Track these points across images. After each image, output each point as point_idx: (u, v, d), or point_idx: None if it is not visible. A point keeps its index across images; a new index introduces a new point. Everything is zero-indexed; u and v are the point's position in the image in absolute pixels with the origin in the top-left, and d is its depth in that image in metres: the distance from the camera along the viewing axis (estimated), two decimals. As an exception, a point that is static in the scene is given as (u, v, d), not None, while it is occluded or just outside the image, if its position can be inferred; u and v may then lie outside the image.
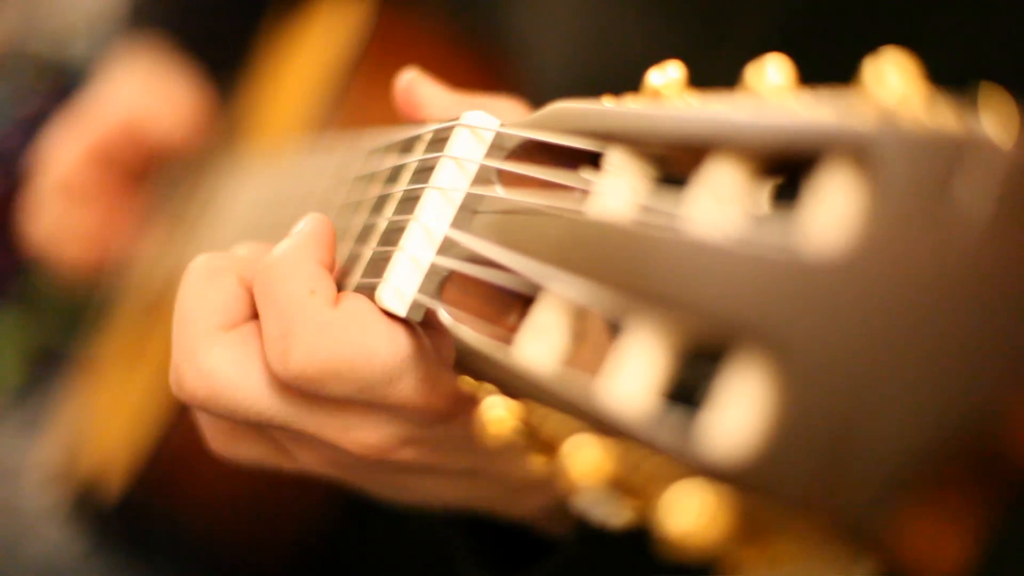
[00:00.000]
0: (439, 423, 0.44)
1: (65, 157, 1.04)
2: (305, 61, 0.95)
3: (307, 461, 0.48)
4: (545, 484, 0.50)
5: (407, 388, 0.43)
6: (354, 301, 0.43)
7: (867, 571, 0.27)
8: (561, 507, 0.53)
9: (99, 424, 1.02)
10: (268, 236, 0.52)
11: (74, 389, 1.18)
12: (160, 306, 1.00)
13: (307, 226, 0.44)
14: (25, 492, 1.18)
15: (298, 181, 0.67)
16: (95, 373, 1.12)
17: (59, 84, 1.39)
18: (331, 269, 0.44)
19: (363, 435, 0.45)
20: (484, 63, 0.85)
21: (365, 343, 0.42)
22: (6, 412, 1.28)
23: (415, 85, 0.50)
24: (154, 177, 1.07)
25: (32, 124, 1.34)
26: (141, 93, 1.04)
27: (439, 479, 0.49)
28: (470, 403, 0.42)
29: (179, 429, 0.84)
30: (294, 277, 0.42)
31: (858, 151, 0.27)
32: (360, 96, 0.81)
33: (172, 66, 1.05)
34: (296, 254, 0.43)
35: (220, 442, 0.50)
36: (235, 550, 0.91)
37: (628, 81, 0.38)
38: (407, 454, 0.46)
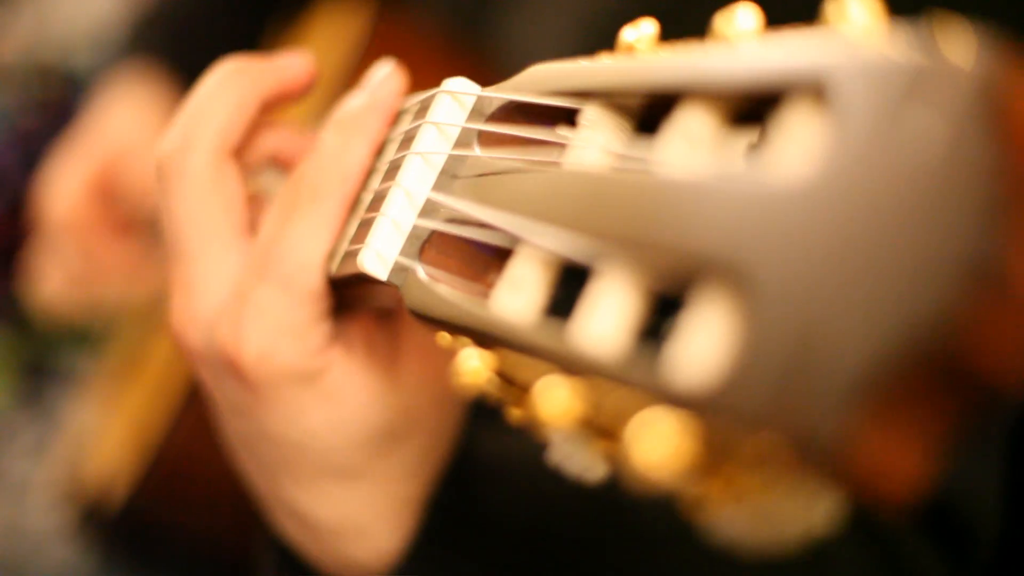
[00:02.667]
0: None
1: (66, 193, 1.03)
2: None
3: None
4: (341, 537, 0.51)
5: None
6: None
7: (832, 501, 0.27)
8: None
9: (102, 441, 1.03)
10: None
11: (77, 408, 1.19)
12: (158, 326, 1.01)
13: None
14: (32, 511, 1.18)
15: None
16: (98, 392, 1.13)
17: (62, 96, 1.40)
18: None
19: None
20: (479, 70, 0.86)
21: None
22: (12, 432, 1.29)
23: None
24: (151, 206, 1.07)
25: (30, 140, 1.35)
26: (136, 122, 1.04)
27: (231, 437, 0.52)
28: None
29: (177, 441, 0.85)
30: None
31: (817, 83, 0.27)
32: None
33: (169, 93, 1.06)
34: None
35: None
36: (237, 557, 0.91)
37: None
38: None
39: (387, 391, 0.48)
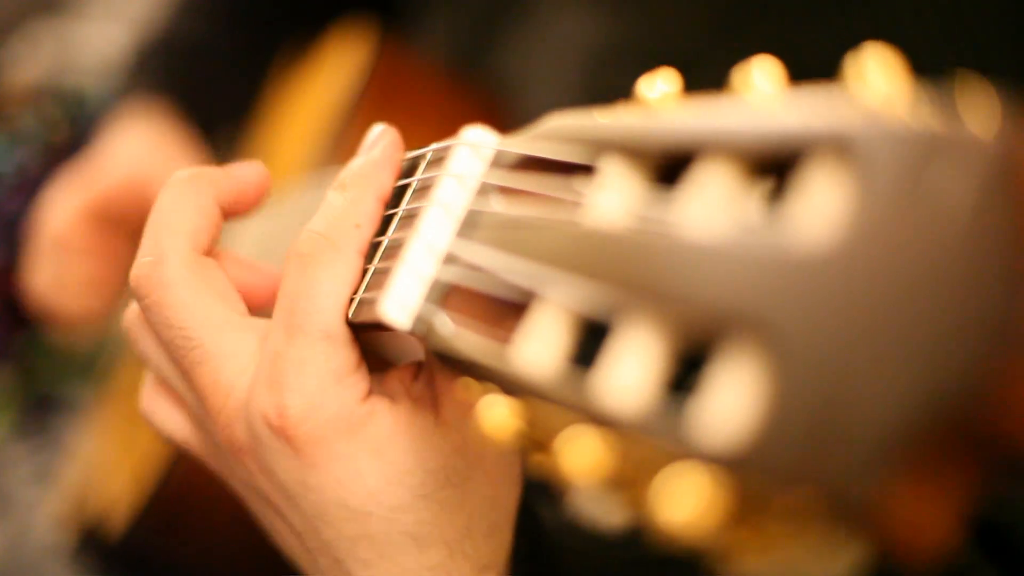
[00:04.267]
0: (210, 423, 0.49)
1: (61, 213, 1.03)
2: (311, 102, 0.97)
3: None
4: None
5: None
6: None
7: (858, 552, 0.28)
8: None
9: (105, 466, 1.03)
10: None
11: (82, 433, 1.19)
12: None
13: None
14: (35, 532, 1.20)
15: (298, 218, 0.68)
16: (101, 417, 1.13)
17: (70, 139, 1.39)
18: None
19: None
20: (480, 101, 0.86)
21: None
22: (16, 458, 1.29)
23: None
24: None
25: (38, 185, 1.33)
26: (143, 152, 1.04)
27: (293, 544, 0.51)
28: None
29: (178, 473, 0.85)
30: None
31: (841, 149, 0.28)
32: (361, 134, 0.82)
33: (174, 124, 1.06)
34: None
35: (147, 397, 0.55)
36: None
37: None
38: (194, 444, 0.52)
39: (436, 433, 0.47)
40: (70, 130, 1.40)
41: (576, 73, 0.81)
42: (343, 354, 0.46)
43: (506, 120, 0.85)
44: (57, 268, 1.05)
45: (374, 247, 0.47)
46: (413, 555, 0.48)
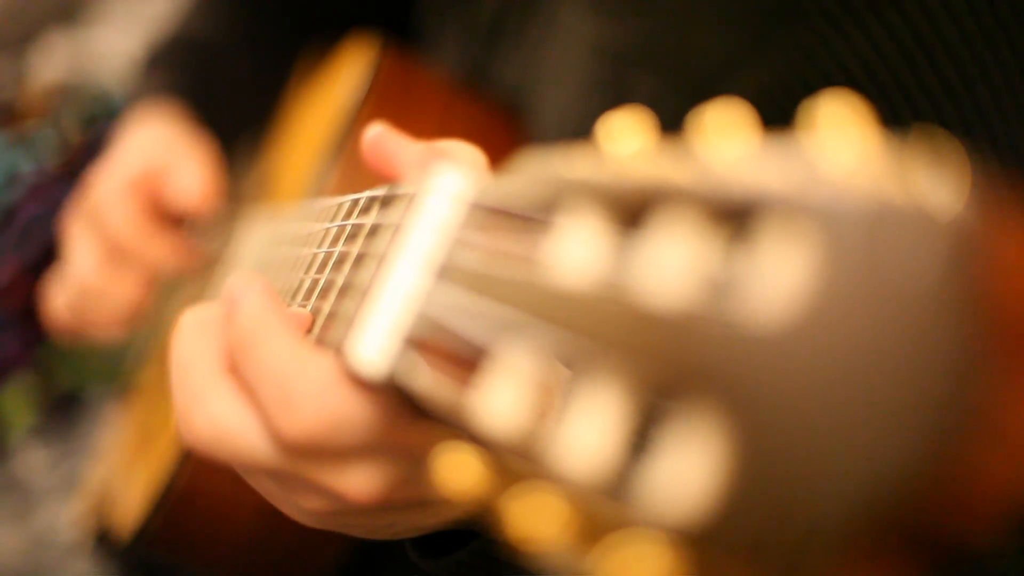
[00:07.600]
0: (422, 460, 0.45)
1: (107, 187, 1.01)
2: (317, 116, 0.96)
3: (310, 507, 0.49)
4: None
5: (404, 431, 0.44)
6: (330, 356, 0.44)
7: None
8: None
9: (122, 467, 1.04)
10: None
11: (106, 434, 1.21)
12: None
13: (255, 284, 0.47)
14: (59, 531, 1.26)
15: (286, 242, 0.67)
16: (125, 418, 1.14)
17: (90, 139, 1.39)
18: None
19: (366, 479, 0.45)
20: (487, 110, 0.85)
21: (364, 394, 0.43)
22: (42, 457, 1.33)
23: (382, 140, 0.51)
24: (175, 231, 1.06)
25: (54, 189, 1.33)
26: (156, 144, 1.03)
27: (419, 512, 0.50)
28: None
29: (181, 481, 0.85)
30: (273, 336, 0.44)
31: (799, 217, 0.27)
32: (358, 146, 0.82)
33: (187, 121, 1.05)
34: (264, 312, 0.44)
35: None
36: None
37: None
38: (403, 493, 0.47)
39: None
40: (87, 138, 1.41)
41: (594, 76, 0.80)
42: None
43: (517, 127, 0.84)
44: (97, 243, 1.01)
45: (339, 287, 0.46)
46: None
